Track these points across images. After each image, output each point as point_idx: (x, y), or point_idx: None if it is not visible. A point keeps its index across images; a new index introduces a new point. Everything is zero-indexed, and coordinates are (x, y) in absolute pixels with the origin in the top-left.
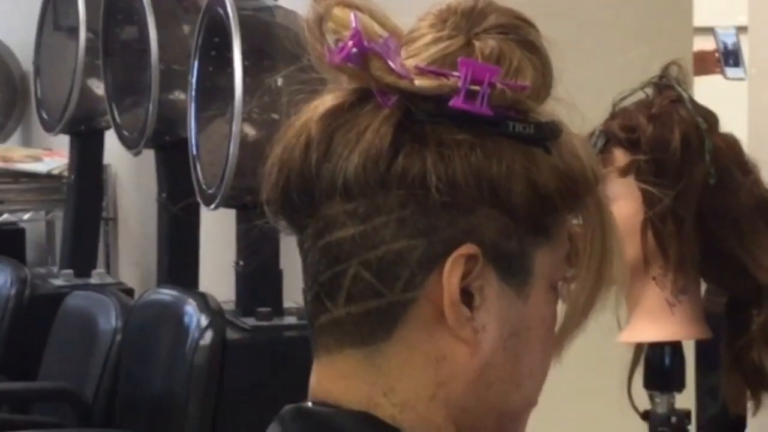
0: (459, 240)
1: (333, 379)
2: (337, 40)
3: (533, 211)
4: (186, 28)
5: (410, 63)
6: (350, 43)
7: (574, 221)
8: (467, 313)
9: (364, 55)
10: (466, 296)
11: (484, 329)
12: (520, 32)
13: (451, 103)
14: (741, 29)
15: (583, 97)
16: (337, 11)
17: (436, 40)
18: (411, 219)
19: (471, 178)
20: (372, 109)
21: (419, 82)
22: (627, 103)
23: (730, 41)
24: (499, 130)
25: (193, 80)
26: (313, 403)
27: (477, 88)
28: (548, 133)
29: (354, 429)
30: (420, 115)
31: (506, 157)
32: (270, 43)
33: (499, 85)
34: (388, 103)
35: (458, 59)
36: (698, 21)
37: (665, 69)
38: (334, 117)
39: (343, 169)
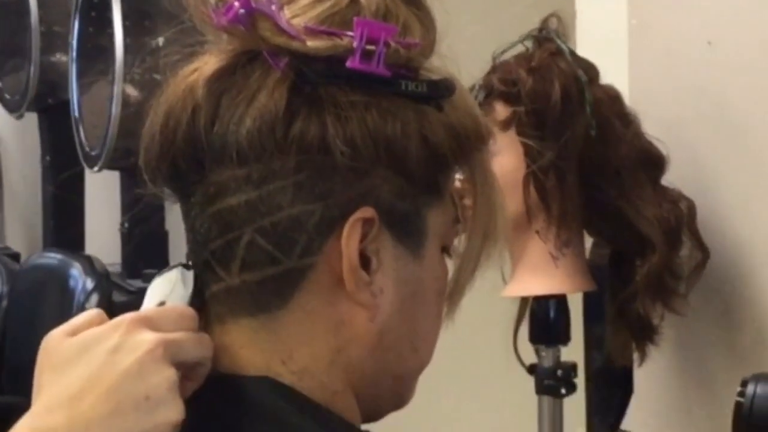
0: (355, 203)
1: (227, 349)
2: (219, 0)
3: (427, 169)
4: None
5: (297, 22)
6: (236, 3)
7: (457, 178)
8: (366, 277)
9: (251, 16)
10: (364, 260)
11: (381, 292)
12: None
13: (348, 63)
14: None
15: (464, 52)
16: None
17: None
18: (307, 183)
19: (368, 139)
20: (262, 72)
21: (312, 43)
22: (507, 56)
23: None
24: (393, 90)
25: (74, 42)
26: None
27: (372, 47)
28: (442, 91)
29: (253, 392)
30: (314, 77)
31: (401, 116)
32: (150, 3)
33: (393, 44)
34: (279, 65)
35: (354, 18)
36: None
37: (545, 21)
38: (220, 80)
39: (234, 134)
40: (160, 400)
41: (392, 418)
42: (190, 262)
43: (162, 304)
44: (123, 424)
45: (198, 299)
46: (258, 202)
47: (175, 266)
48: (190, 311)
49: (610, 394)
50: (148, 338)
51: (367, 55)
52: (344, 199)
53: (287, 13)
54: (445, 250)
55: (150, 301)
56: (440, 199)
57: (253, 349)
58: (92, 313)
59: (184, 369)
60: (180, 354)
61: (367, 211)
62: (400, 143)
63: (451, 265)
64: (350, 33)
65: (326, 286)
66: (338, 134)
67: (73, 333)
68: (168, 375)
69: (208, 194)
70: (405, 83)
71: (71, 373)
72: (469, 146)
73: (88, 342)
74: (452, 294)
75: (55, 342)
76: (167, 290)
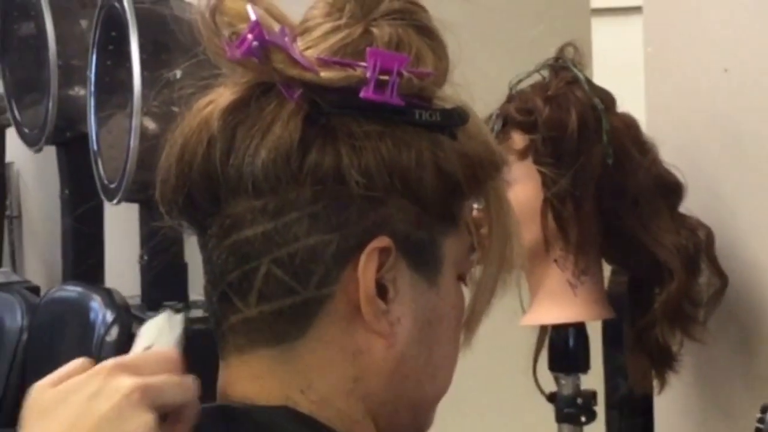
0: (371, 233)
1: (246, 380)
2: (233, 33)
3: (442, 198)
4: (83, 23)
5: (310, 54)
6: (250, 36)
7: (474, 207)
8: (383, 306)
9: (264, 48)
10: (380, 289)
11: (399, 321)
12: (414, 17)
13: (362, 94)
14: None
15: (479, 81)
16: (230, 3)
17: (335, 30)
18: (323, 214)
19: (383, 168)
20: (276, 103)
21: (325, 74)
22: (523, 85)
23: None
24: (407, 119)
25: (92, 75)
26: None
27: (386, 77)
28: (456, 119)
29: (276, 423)
30: (328, 108)
31: (415, 145)
32: (167, 36)
33: (406, 74)
34: (293, 96)
35: (367, 49)
36: (595, 2)
37: (561, 50)
38: (235, 112)
39: (250, 166)
40: None
41: None
42: (178, 306)
43: (148, 348)
44: None
45: (185, 342)
46: (274, 233)
47: (165, 307)
48: (173, 354)
49: (632, 422)
50: (125, 384)
51: (380, 85)
52: (360, 229)
53: (300, 44)
54: (461, 278)
55: (137, 347)
56: (455, 228)
57: (272, 379)
58: (77, 362)
59: (171, 412)
60: (160, 398)
61: (383, 241)
62: (415, 173)
63: (467, 293)
64: (363, 63)
65: (344, 315)
66: (353, 164)
67: (57, 383)
68: (146, 420)
69: (225, 226)
70: (419, 112)
71: (52, 420)
72: (483, 174)
73: (69, 390)
74: (469, 321)
75: (39, 393)
76: (154, 335)
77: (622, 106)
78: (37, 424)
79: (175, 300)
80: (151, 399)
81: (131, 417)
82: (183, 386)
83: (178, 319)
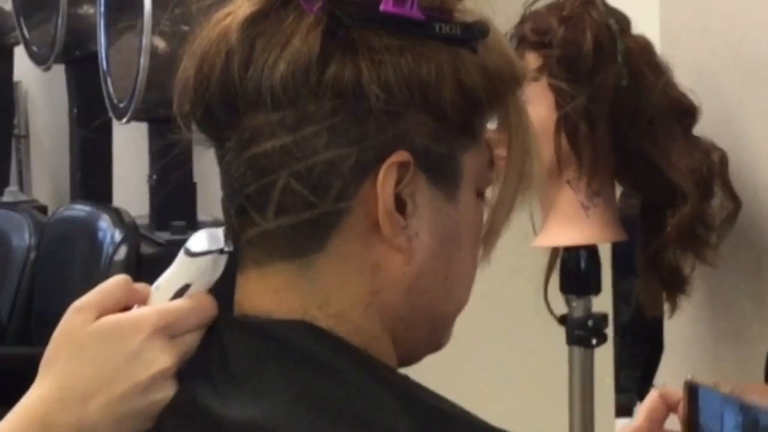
0: (391, 146)
1: (264, 293)
2: None
3: (462, 112)
4: None
5: None
6: None
7: (491, 126)
8: (401, 221)
9: None
10: (399, 203)
11: (417, 236)
12: None
13: (382, 7)
14: None
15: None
16: None
17: None
18: (342, 127)
19: (403, 82)
20: (295, 16)
21: None
22: (538, 6)
23: None
24: (427, 33)
25: None
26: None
27: None
28: (476, 33)
29: (293, 336)
30: (347, 21)
31: (435, 59)
32: None
33: None
34: (312, 9)
35: None
36: None
37: None
38: (254, 24)
39: (269, 79)
40: (157, 412)
41: (423, 364)
42: (227, 248)
43: (187, 287)
44: (123, 429)
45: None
46: (293, 147)
47: (212, 251)
48: (212, 306)
49: (639, 348)
50: (164, 358)
51: None
52: (379, 143)
53: None
54: (480, 193)
55: (176, 279)
56: (475, 142)
57: (290, 293)
58: (118, 285)
59: None
60: (186, 353)
61: (402, 155)
62: (435, 87)
63: (486, 210)
64: None
65: (362, 230)
66: (372, 78)
67: (103, 311)
68: (170, 394)
69: (243, 139)
70: (439, 26)
71: (89, 365)
72: (503, 88)
73: (109, 336)
74: (487, 236)
75: (77, 320)
76: (195, 273)
77: (637, 28)
78: (73, 360)
79: (184, 220)
80: (180, 362)
81: (160, 390)
82: (205, 320)
83: (223, 260)
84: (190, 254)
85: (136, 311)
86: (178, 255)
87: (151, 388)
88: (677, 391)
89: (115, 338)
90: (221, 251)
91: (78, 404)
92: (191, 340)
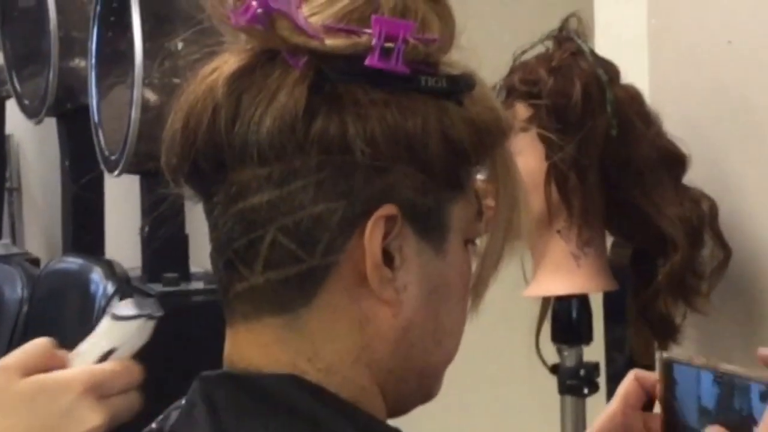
0: (378, 200)
1: (253, 347)
2: (237, 0)
3: (448, 165)
4: None
5: (315, 21)
6: (254, 3)
7: (479, 176)
8: (389, 274)
9: (269, 15)
10: (387, 257)
11: (405, 289)
12: None
13: (367, 62)
14: None
15: (486, 47)
16: None
17: None
18: (329, 181)
19: (389, 137)
20: (281, 71)
21: (330, 42)
22: (527, 56)
23: None
24: (413, 86)
25: (93, 47)
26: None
27: (391, 45)
28: (462, 86)
29: (282, 391)
30: (333, 76)
31: (421, 112)
32: (169, 6)
33: (411, 41)
34: (298, 64)
35: (372, 16)
36: None
37: (564, 22)
38: (240, 79)
39: (255, 134)
40: None
41: (414, 415)
42: (155, 314)
43: (111, 351)
44: None
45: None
46: (280, 201)
47: (140, 315)
48: (137, 371)
49: None
50: (94, 416)
51: (386, 53)
52: (366, 197)
53: (305, 10)
54: (470, 241)
55: (101, 343)
56: (463, 194)
57: (279, 347)
58: (41, 347)
59: None
60: (119, 416)
61: (389, 209)
62: (421, 140)
63: (474, 261)
64: (368, 30)
65: (350, 283)
66: (358, 132)
67: (26, 372)
68: None
69: (230, 194)
70: (424, 79)
71: (18, 420)
72: (490, 140)
73: (39, 395)
74: (476, 287)
75: (6, 379)
76: (119, 338)
77: (626, 78)
78: (7, 419)
79: (176, 272)
80: (110, 423)
81: None
82: (137, 402)
83: (149, 328)
84: (117, 318)
85: (65, 371)
86: (103, 320)
87: None
88: (652, 373)
89: (45, 397)
90: (149, 316)
91: None
92: (119, 402)
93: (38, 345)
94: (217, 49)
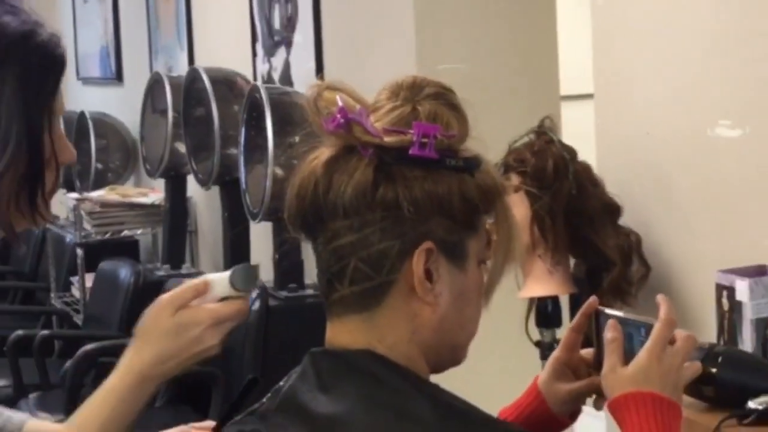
0: (421, 239)
1: (343, 333)
2: (328, 113)
3: (466, 215)
4: (236, 107)
5: (378, 125)
6: (338, 116)
7: (488, 220)
8: (429, 286)
9: (348, 124)
10: (428, 275)
11: (440, 295)
12: (446, 97)
13: (411, 152)
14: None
15: (487, 138)
16: (326, 94)
17: (393, 108)
18: (389, 228)
19: (426, 198)
20: (357, 158)
21: (387, 139)
22: (518, 144)
23: None
24: (441, 165)
25: (242, 140)
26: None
27: (426, 140)
28: (473, 164)
29: (362, 360)
30: (389, 160)
31: (446, 182)
32: (290, 116)
33: (439, 136)
34: (367, 153)
35: (413, 122)
36: (563, 90)
37: (542, 122)
38: (331, 164)
39: (341, 198)
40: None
41: (445, 374)
42: (253, 293)
43: (225, 298)
44: (181, 368)
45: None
46: (358, 242)
47: (246, 291)
48: (243, 311)
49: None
50: (213, 342)
51: (423, 145)
52: (413, 237)
53: (372, 119)
54: (482, 262)
55: (222, 288)
56: (476, 232)
57: (360, 333)
58: (190, 289)
59: None
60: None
61: (428, 244)
62: (447, 200)
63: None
64: (411, 131)
65: (404, 292)
66: (406, 197)
67: (178, 307)
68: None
69: (327, 237)
70: (449, 160)
71: (171, 343)
72: (492, 197)
73: (180, 327)
74: (487, 292)
75: (163, 314)
76: (227, 290)
77: (581, 156)
78: (161, 339)
79: (295, 284)
80: (222, 342)
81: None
82: (240, 319)
83: (249, 296)
84: (234, 287)
85: (199, 312)
86: (232, 271)
87: (201, 354)
88: (584, 322)
89: (184, 329)
90: (247, 291)
91: (163, 363)
92: (228, 329)
93: (189, 287)
94: (317, 144)
